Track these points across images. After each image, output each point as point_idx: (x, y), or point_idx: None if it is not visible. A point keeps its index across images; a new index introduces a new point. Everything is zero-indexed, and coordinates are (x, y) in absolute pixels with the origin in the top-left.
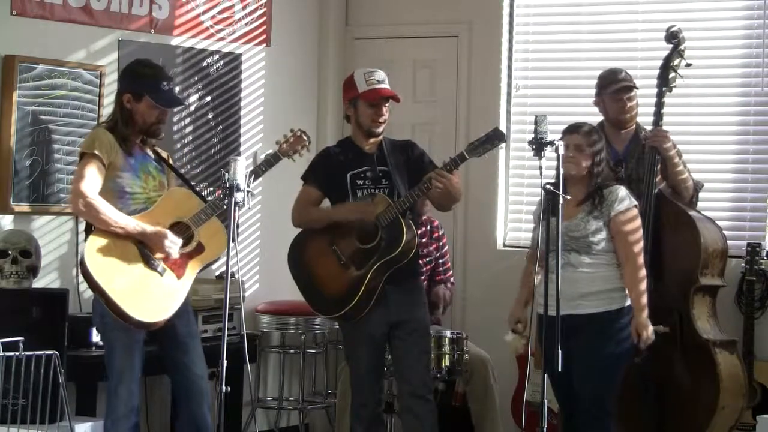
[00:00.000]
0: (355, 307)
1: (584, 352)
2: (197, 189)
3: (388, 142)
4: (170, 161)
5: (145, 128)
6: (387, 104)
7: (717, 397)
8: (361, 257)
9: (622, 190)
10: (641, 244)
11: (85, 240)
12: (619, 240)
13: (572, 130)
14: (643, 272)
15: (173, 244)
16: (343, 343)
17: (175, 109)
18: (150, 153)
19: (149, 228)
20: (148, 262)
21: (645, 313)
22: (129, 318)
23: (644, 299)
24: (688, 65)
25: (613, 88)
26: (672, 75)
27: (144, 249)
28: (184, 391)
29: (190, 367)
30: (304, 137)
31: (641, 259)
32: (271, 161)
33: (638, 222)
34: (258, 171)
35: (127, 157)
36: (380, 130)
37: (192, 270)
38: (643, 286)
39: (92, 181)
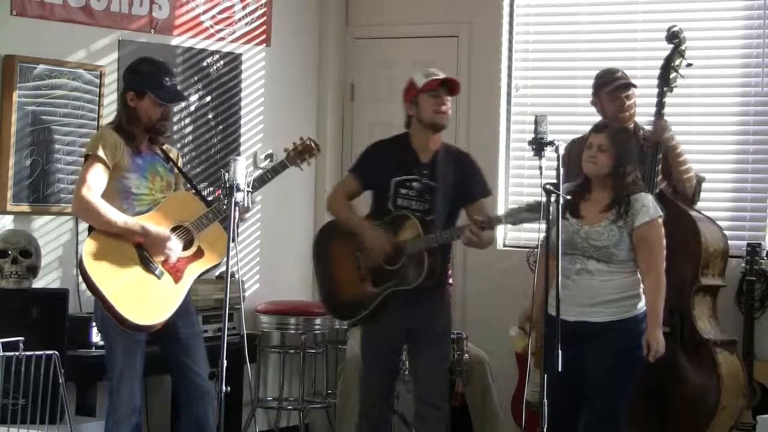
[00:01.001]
0: (362, 320)
1: (598, 362)
2: (202, 192)
3: (444, 150)
4: (179, 160)
5: (150, 126)
6: (449, 98)
7: (718, 397)
8: (379, 275)
9: (648, 199)
10: (664, 254)
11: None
12: (642, 251)
13: (598, 129)
14: (664, 284)
15: (172, 249)
16: (360, 339)
17: (175, 109)
18: (159, 152)
19: (152, 228)
20: (146, 265)
21: (660, 326)
22: (124, 320)
23: (661, 311)
24: (689, 65)
25: (610, 86)
26: (673, 75)
27: (142, 252)
28: (187, 392)
29: (193, 369)
30: (313, 146)
31: (663, 271)
32: (278, 169)
33: (662, 233)
34: (264, 178)
35: (135, 157)
36: (445, 122)
37: (190, 274)
38: (662, 297)
39: (94, 183)
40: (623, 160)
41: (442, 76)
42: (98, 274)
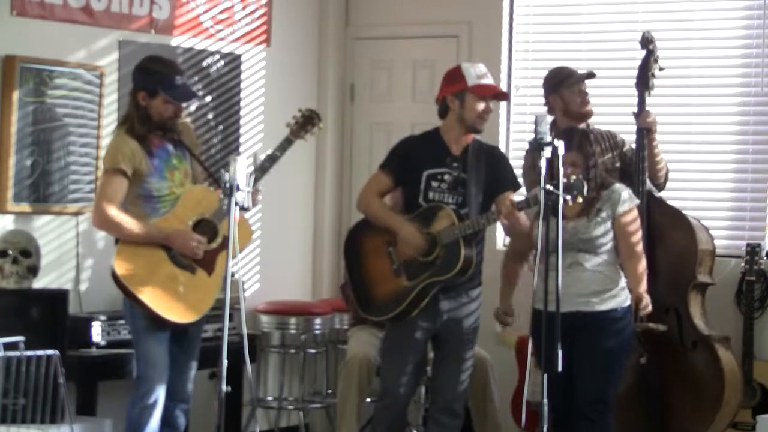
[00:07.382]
0: (397, 317)
1: (587, 348)
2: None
3: (475, 144)
4: (193, 138)
5: (162, 123)
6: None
7: (723, 391)
8: (415, 268)
9: (624, 190)
10: (640, 238)
11: (116, 245)
12: (623, 237)
13: (568, 148)
14: (645, 263)
15: (199, 243)
16: (385, 337)
17: None
18: (169, 145)
19: (173, 231)
20: (178, 263)
21: (644, 286)
22: (166, 322)
23: (645, 280)
24: (661, 69)
25: (573, 78)
26: (652, 79)
27: (171, 250)
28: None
29: (178, 393)
30: (314, 116)
31: (642, 252)
32: (284, 145)
33: (638, 219)
34: (274, 156)
35: (151, 158)
36: (484, 127)
37: (221, 264)
38: (645, 274)
39: (113, 196)
40: (591, 161)
41: (491, 80)
42: (132, 280)
